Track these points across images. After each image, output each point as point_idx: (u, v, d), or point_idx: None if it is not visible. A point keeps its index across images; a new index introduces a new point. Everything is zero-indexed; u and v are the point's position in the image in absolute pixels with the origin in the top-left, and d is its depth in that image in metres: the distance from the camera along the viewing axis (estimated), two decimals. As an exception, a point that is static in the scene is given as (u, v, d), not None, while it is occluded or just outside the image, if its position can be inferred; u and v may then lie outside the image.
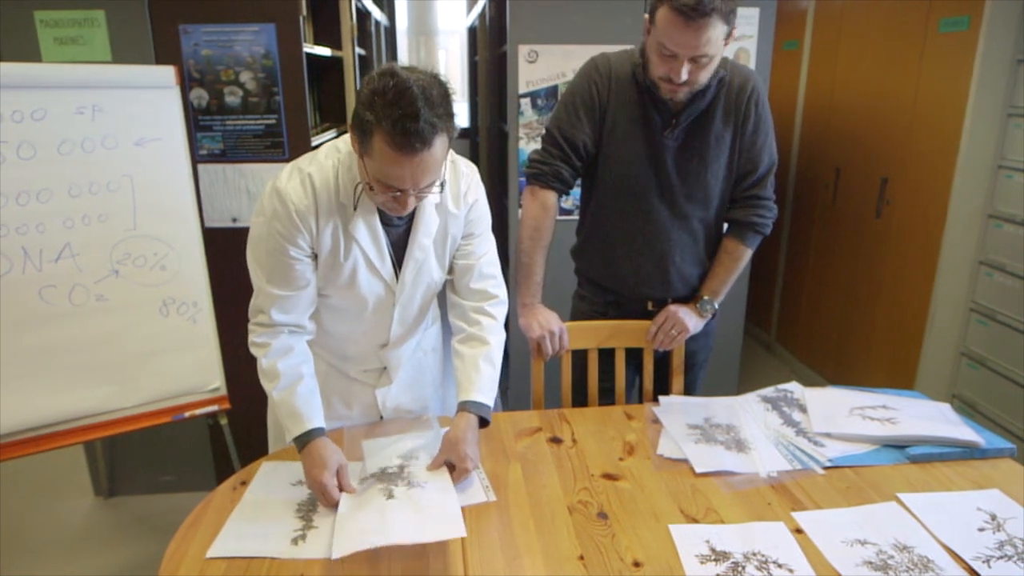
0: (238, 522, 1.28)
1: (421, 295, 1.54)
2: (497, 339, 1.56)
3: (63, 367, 1.92)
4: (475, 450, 1.40)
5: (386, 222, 1.41)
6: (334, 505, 1.29)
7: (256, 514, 1.31)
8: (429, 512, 1.25)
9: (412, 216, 1.43)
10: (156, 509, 2.67)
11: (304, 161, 1.38)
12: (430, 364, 1.72)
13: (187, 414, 2.10)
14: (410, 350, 1.64)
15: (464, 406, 1.46)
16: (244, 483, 1.40)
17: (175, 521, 1.28)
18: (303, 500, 1.34)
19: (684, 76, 1.52)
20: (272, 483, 1.40)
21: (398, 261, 1.46)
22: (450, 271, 1.56)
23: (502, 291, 1.60)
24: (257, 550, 1.21)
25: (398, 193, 1.25)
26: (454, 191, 1.46)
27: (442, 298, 1.63)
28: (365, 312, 1.49)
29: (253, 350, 1.44)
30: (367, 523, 1.22)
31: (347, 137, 1.36)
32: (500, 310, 1.59)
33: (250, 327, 1.45)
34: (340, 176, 1.35)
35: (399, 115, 1.15)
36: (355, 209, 1.36)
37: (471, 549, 1.21)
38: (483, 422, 1.46)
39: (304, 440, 1.36)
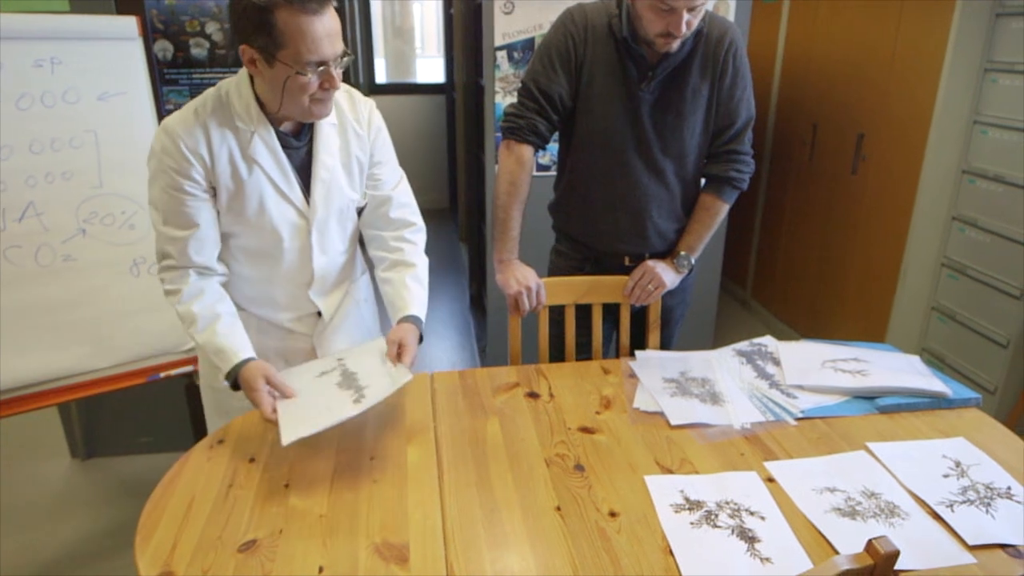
0: (290, 412, 1.30)
1: (336, 219, 1.53)
2: (422, 262, 1.59)
3: (34, 328, 1.89)
4: (415, 348, 1.44)
5: (285, 145, 1.42)
6: (272, 414, 1.29)
7: (303, 401, 1.33)
8: (372, 379, 1.35)
9: (311, 139, 1.44)
10: (134, 470, 2.66)
11: (191, 101, 1.39)
12: (365, 315, 1.73)
13: (163, 375, 2.08)
14: (341, 296, 1.63)
15: (405, 319, 1.50)
16: (221, 442, 1.39)
17: (153, 481, 1.27)
18: (340, 381, 1.38)
19: (685, 28, 1.52)
20: (299, 378, 1.42)
21: (306, 186, 1.47)
22: (366, 211, 1.58)
23: (419, 219, 1.64)
24: (327, 422, 1.25)
25: (321, 68, 1.27)
26: (355, 114, 1.50)
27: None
28: (282, 245, 1.48)
29: (167, 300, 1.43)
30: (312, 409, 1.29)
31: (225, 82, 1.39)
32: (420, 236, 1.63)
33: (159, 277, 1.44)
34: (231, 99, 1.36)
35: None
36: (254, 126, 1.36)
37: (449, 501, 1.22)
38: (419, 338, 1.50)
39: (237, 373, 1.35)
